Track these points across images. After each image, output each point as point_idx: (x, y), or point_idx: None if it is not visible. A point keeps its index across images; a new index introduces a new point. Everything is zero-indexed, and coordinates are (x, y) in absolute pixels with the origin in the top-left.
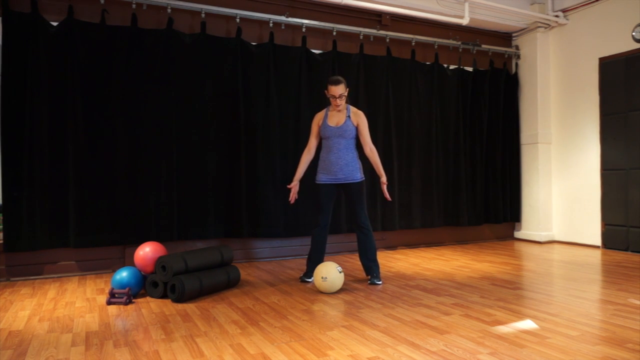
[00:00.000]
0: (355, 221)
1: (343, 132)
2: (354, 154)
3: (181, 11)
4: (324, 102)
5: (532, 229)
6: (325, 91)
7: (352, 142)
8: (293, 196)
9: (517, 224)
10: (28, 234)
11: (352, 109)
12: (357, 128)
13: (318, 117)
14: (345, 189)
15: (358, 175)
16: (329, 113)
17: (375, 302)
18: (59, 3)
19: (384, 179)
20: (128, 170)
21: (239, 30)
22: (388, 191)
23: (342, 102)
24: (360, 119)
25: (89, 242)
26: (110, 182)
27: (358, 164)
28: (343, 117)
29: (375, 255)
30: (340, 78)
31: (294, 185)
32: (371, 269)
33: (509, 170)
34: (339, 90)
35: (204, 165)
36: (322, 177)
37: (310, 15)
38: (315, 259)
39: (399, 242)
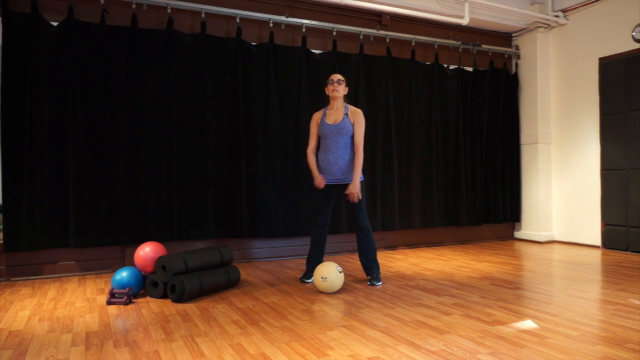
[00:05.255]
0: (354, 221)
1: (341, 129)
2: (352, 154)
3: (181, 11)
4: (324, 102)
5: (532, 229)
6: (325, 87)
7: (350, 141)
8: (322, 183)
9: (517, 224)
10: (28, 234)
11: (351, 107)
12: (353, 126)
13: (316, 117)
14: (344, 189)
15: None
16: (327, 112)
17: (375, 302)
18: (59, 3)
19: (353, 186)
20: (128, 170)
21: (239, 30)
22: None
23: (339, 88)
24: (357, 117)
25: (89, 242)
26: (110, 182)
27: None
28: (341, 114)
29: (375, 255)
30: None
31: (319, 179)
32: (371, 269)
33: (509, 170)
34: (337, 76)
35: (204, 165)
36: None
37: (310, 15)
38: (314, 260)
39: (399, 242)
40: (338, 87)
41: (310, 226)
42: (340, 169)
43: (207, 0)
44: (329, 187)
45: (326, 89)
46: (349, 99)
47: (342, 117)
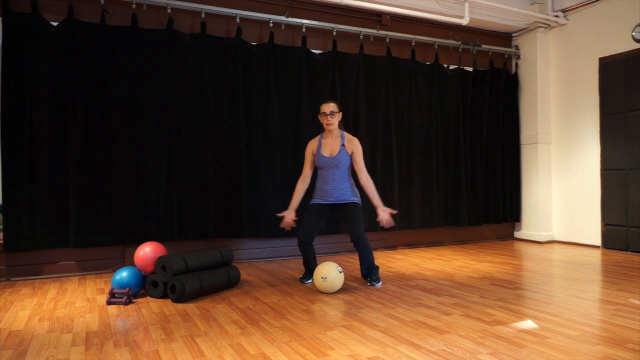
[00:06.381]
0: (353, 237)
1: (338, 162)
2: (349, 183)
3: (181, 11)
4: (320, 133)
5: (532, 229)
6: (318, 116)
7: (347, 171)
8: (288, 225)
9: (517, 224)
10: (28, 234)
11: (347, 136)
12: (351, 156)
13: (312, 146)
14: (340, 210)
15: (354, 198)
16: (323, 141)
17: (375, 302)
18: (59, 3)
19: (380, 208)
20: (128, 170)
21: (239, 30)
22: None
23: (333, 120)
24: (354, 146)
25: (89, 242)
26: (110, 182)
27: (355, 192)
28: (337, 145)
29: (373, 262)
30: (331, 99)
31: (288, 215)
32: (370, 273)
33: (509, 170)
34: (330, 107)
35: (204, 165)
36: (315, 200)
37: (310, 15)
38: (310, 267)
39: (399, 242)
40: (332, 120)
41: None
42: (338, 197)
43: (207, 0)
44: (321, 207)
45: (319, 118)
46: (349, 99)
47: (338, 149)
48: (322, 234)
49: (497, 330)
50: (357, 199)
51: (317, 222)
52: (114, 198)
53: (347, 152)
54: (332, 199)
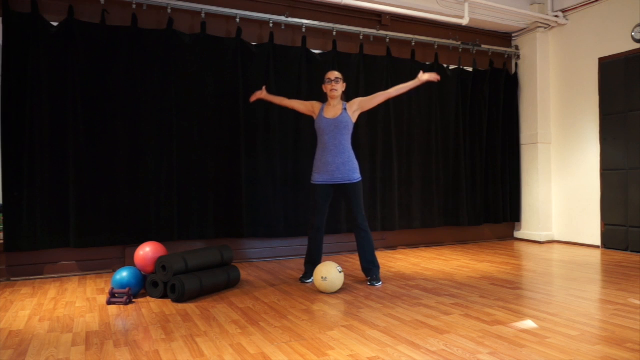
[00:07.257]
0: (353, 222)
1: (339, 123)
2: (350, 153)
3: (181, 11)
4: (323, 101)
5: (532, 229)
6: (323, 85)
7: (348, 139)
8: (254, 96)
9: (517, 224)
10: (28, 234)
11: (347, 103)
12: (359, 114)
13: (316, 104)
14: (342, 190)
15: (355, 176)
16: (325, 108)
17: (375, 302)
18: (59, 3)
19: (418, 77)
20: (128, 170)
21: (239, 30)
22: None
23: (337, 87)
24: (357, 101)
25: (89, 242)
26: (110, 182)
27: (355, 164)
28: (339, 110)
29: (374, 257)
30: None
31: (261, 92)
32: (370, 270)
33: (509, 170)
34: (335, 74)
35: (204, 165)
36: (317, 178)
37: (310, 15)
38: (313, 261)
39: (399, 242)
40: (336, 86)
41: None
42: (339, 168)
43: (207, 0)
44: (326, 188)
45: (324, 87)
46: (349, 99)
47: (341, 112)
48: None
49: (497, 330)
50: (359, 175)
51: (325, 204)
52: (114, 198)
53: (350, 116)
54: (336, 175)
